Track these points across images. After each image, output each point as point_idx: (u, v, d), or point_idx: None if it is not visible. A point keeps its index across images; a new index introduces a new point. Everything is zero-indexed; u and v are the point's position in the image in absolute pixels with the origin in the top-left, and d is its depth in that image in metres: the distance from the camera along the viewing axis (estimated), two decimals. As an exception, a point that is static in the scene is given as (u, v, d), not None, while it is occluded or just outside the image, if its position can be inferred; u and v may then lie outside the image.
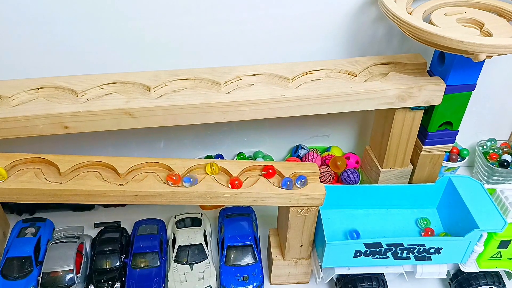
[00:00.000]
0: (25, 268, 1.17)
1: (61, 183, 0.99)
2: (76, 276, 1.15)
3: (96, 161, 1.03)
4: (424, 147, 1.28)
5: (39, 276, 1.15)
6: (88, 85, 1.07)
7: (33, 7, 1.10)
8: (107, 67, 1.18)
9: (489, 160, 1.47)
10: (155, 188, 1.01)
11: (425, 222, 1.21)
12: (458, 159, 1.47)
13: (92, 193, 0.99)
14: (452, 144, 1.29)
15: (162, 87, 1.10)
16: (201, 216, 1.34)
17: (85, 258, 1.22)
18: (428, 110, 1.22)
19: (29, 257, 1.18)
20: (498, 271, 1.17)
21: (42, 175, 1.00)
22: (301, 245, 1.16)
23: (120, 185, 1.00)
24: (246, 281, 1.16)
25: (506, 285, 1.17)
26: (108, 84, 1.09)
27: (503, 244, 1.10)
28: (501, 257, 1.13)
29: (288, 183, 1.04)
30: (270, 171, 1.06)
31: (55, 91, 1.07)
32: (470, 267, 1.14)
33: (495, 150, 1.50)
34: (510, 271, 1.16)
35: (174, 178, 1.00)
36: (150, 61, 1.21)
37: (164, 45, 1.21)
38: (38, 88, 1.07)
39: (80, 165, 1.02)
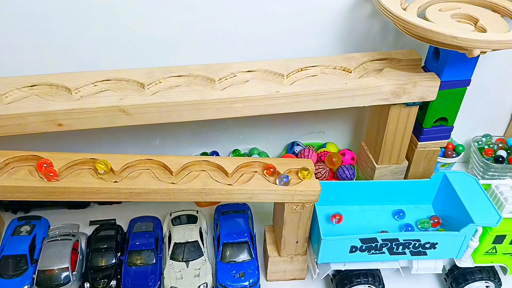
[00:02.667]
0: (20, 266, 1.16)
1: (55, 180, 0.98)
2: (72, 274, 1.15)
3: (90, 159, 1.03)
4: (419, 143, 1.28)
5: (34, 274, 1.14)
6: (82, 82, 1.07)
7: (26, 4, 1.09)
8: (101, 64, 1.18)
9: (484, 155, 1.47)
10: (150, 185, 1.00)
11: (425, 224, 1.21)
12: (454, 155, 1.47)
13: (87, 190, 0.99)
14: (447, 140, 1.29)
15: (156, 84, 1.09)
16: (197, 213, 1.34)
17: (81, 256, 1.21)
18: (423, 106, 1.22)
19: (24, 255, 1.18)
20: (493, 266, 1.17)
21: (36, 173, 0.99)
22: (297, 242, 1.16)
23: (114, 182, 1.00)
24: (242, 278, 1.16)
25: (501, 280, 1.17)
26: (102, 81, 1.09)
27: (498, 239, 1.10)
28: (496, 252, 1.13)
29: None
30: (271, 170, 1.06)
31: (48, 88, 1.07)
32: (465, 262, 1.14)
33: (490, 145, 1.50)
34: (506, 266, 1.16)
35: (271, 170, 1.02)
36: (144, 58, 1.21)
37: (158, 42, 1.20)
38: (32, 86, 1.07)
39: (74, 162, 1.02)
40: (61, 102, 1.03)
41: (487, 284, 1.18)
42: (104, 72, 1.10)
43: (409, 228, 1.20)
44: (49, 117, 1.01)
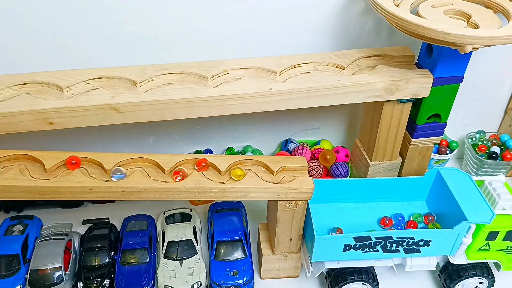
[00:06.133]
0: (13, 266, 1.15)
1: (47, 179, 0.98)
2: (65, 274, 1.14)
3: (82, 157, 1.02)
4: (412, 139, 1.28)
5: (27, 274, 1.14)
6: (73, 80, 1.06)
7: (17, 2, 1.08)
8: (93, 62, 1.17)
9: (478, 152, 1.47)
10: (142, 183, 1.00)
11: (418, 219, 1.21)
12: (447, 152, 1.47)
13: (78, 189, 0.98)
14: (440, 137, 1.29)
15: (148, 81, 1.09)
16: (191, 211, 1.34)
17: (74, 255, 1.21)
18: (416, 103, 1.22)
19: (17, 255, 1.17)
20: (486, 262, 1.17)
21: (27, 172, 0.98)
22: (291, 239, 1.15)
23: (106, 181, 0.99)
24: (236, 276, 1.16)
25: (494, 276, 1.17)
26: (93, 79, 1.08)
27: (491, 236, 1.10)
28: (489, 248, 1.13)
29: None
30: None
31: (39, 86, 1.06)
32: (459, 259, 1.14)
33: (484, 142, 1.51)
34: (499, 262, 1.16)
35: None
36: (137, 56, 1.20)
37: (150, 39, 1.20)
38: (23, 84, 1.06)
39: (66, 161, 1.01)
40: (52, 100, 1.02)
41: (481, 281, 1.18)
42: (95, 70, 1.10)
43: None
44: (40, 115, 1.00)
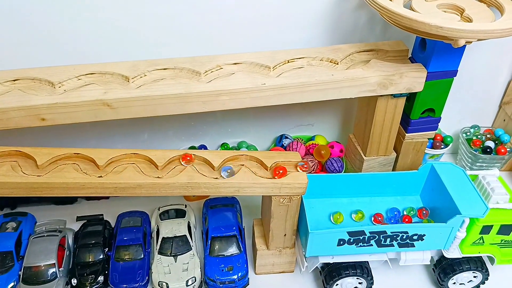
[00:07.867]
0: (6, 263, 1.15)
1: (39, 176, 0.97)
2: (58, 270, 1.14)
3: (74, 153, 1.01)
4: (407, 134, 1.28)
5: (21, 271, 1.14)
6: (65, 76, 1.06)
7: (8, -3, 1.08)
8: (85, 58, 1.16)
9: (472, 146, 1.47)
10: (135, 179, 0.99)
11: (412, 212, 1.21)
12: (442, 146, 1.47)
13: (71, 185, 0.97)
14: (434, 131, 1.29)
15: (141, 77, 1.08)
16: (185, 207, 1.33)
17: (68, 251, 1.20)
18: (410, 97, 1.22)
19: (10, 252, 1.17)
20: (480, 256, 1.17)
21: (19, 168, 0.98)
22: (285, 234, 1.15)
23: (99, 177, 0.99)
24: (230, 272, 1.16)
25: (488, 270, 1.18)
26: (86, 75, 1.07)
27: (485, 230, 1.11)
28: (483, 242, 1.13)
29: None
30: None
31: (31, 82, 1.05)
32: (453, 253, 1.14)
33: (479, 136, 1.51)
34: (493, 256, 1.16)
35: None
36: (129, 51, 1.19)
37: (143, 35, 1.19)
38: (14, 80, 1.05)
39: (58, 157, 1.00)
40: (44, 96, 1.01)
41: (475, 275, 1.18)
42: (88, 66, 1.09)
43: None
44: (31, 111, 0.99)
